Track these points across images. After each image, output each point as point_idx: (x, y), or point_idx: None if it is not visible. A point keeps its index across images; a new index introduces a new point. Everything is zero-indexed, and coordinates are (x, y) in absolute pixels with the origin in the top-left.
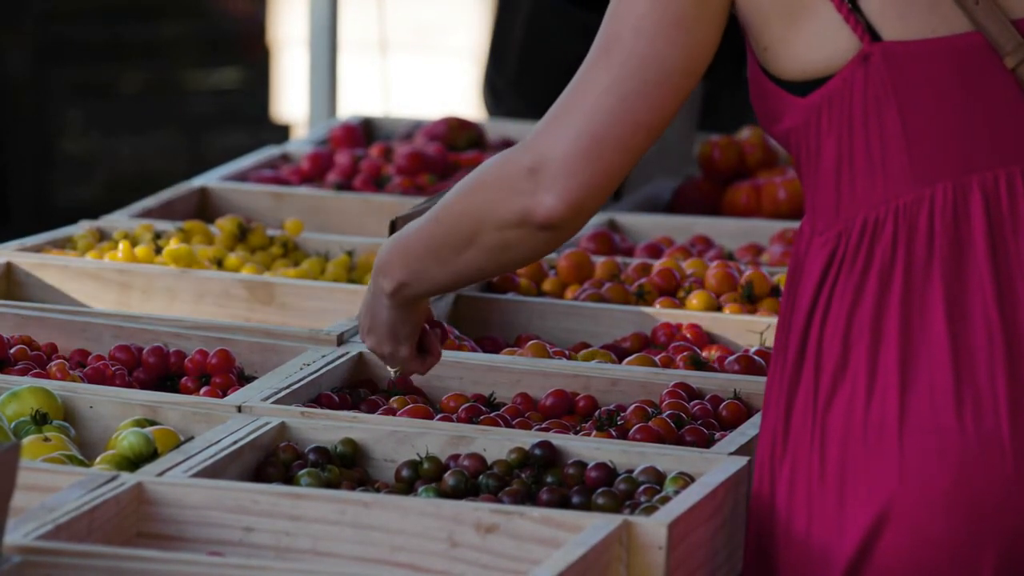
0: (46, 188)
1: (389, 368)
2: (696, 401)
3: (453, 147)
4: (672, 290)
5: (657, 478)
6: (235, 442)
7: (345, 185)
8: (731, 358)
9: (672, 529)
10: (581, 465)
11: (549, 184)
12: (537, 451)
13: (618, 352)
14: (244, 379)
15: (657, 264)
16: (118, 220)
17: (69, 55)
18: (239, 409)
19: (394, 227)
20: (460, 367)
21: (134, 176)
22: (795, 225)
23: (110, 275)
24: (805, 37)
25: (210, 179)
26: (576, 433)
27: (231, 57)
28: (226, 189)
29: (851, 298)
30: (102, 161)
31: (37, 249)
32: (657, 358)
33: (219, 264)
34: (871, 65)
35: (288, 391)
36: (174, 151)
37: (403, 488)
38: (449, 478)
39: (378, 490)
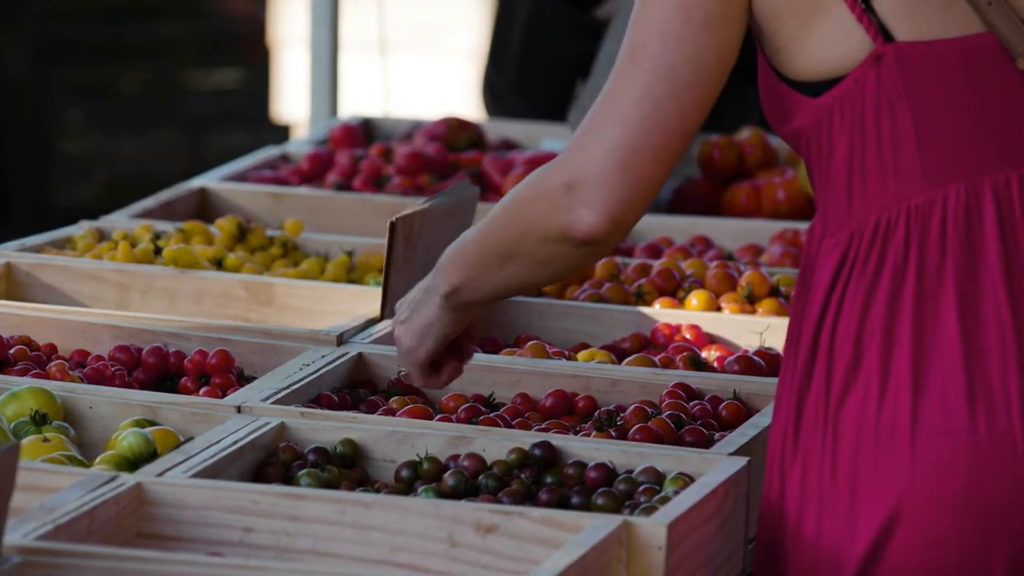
0: (46, 188)
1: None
2: (696, 401)
3: (453, 147)
4: (672, 290)
5: (657, 478)
6: (235, 442)
7: (345, 185)
8: (731, 358)
9: (672, 529)
10: (581, 465)
11: (587, 200)
12: (537, 451)
13: (618, 352)
14: (244, 379)
15: (657, 264)
16: (118, 220)
17: (69, 55)
18: (239, 409)
19: (394, 228)
20: None
21: (134, 176)
22: (795, 225)
23: (110, 275)
24: (818, 37)
25: (210, 179)
26: (576, 433)
27: (231, 57)
28: (226, 189)
29: (863, 299)
30: (102, 161)
31: (37, 249)
32: (657, 358)
33: (219, 264)
34: (883, 66)
35: (288, 391)
36: (174, 151)
37: (403, 488)
38: (449, 478)
39: (378, 490)
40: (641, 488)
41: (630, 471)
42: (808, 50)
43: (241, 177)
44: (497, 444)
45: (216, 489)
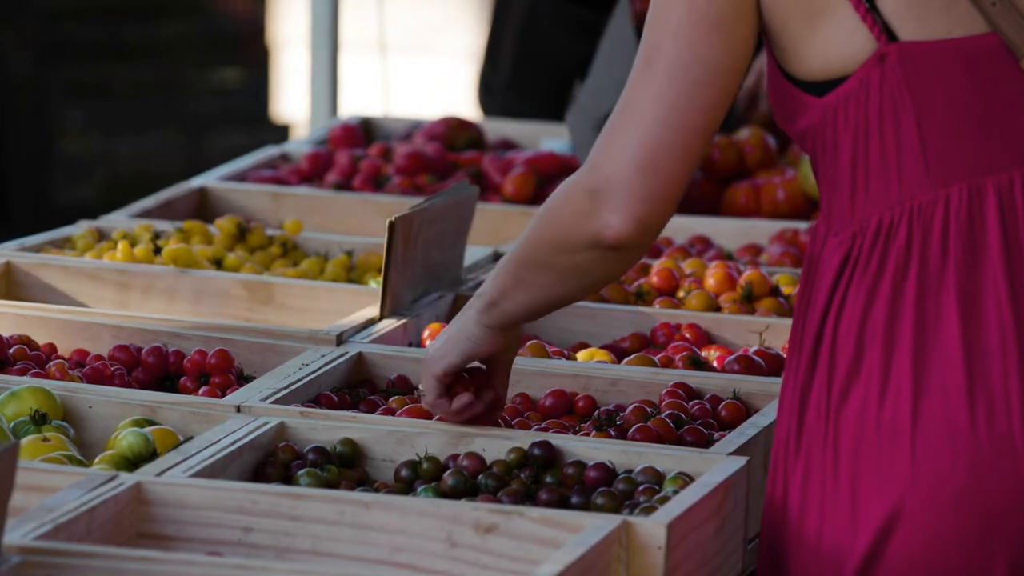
0: (46, 188)
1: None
2: (695, 401)
3: (452, 147)
4: (671, 290)
5: (656, 478)
6: (234, 442)
7: (344, 185)
8: (730, 358)
9: (671, 529)
10: (580, 465)
11: (612, 205)
12: (536, 451)
13: (617, 352)
14: (243, 379)
15: (656, 264)
16: (117, 220)
17: (69, 55)
18: (238, 409)
19: (394, 228)
20: None
21: (134, 176)
22: (795, 225)
23: (109, 275)
24: (823, 37)
25: (209, 179)
26: (575, 433)
27: (231, 57)
28: (225, 189)
29: (865, 299)
30: (102, 161)
31: (37, 249)
32: (656, 358)
33: (218, 264)
34: (887, 65)
35: (287, 391)
36: (174, 151)
37: (402, 488)
38: (448, 478)
39: (377, 490)
40: (641, 488)
41: (630, 471)
42: (813, 49)
43: (241, 177)
44: (497, 444)
45: (215, 489)
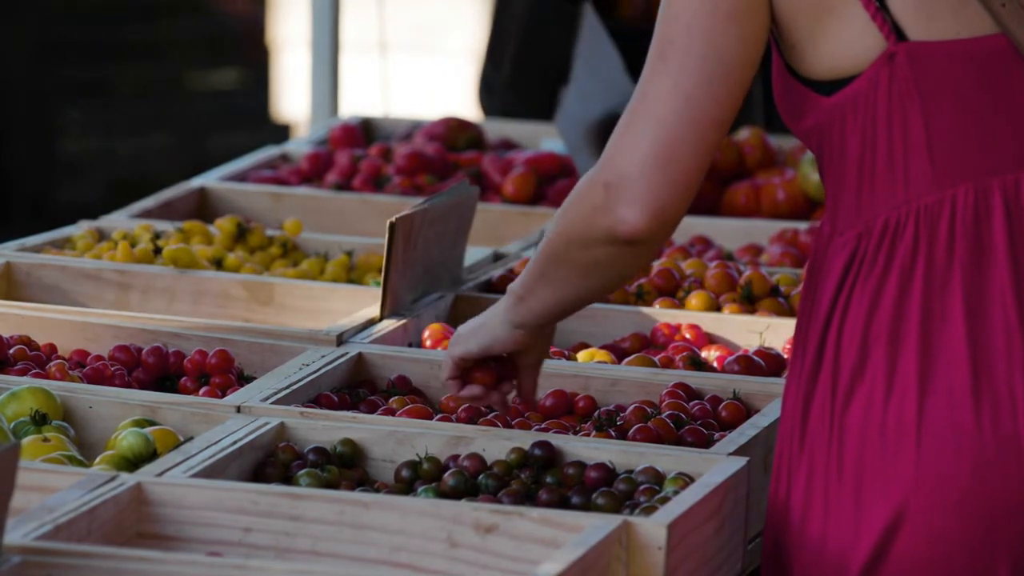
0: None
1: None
2: (695, 401)
3: (452, 147)
4: (671, 290)
5: (656, 478)
6: (234, 442)
7: (344, 185)
8: (730, 358)
9: (671, 529)
10: (580, 465)
11: (627, 198)
12: (536, 451)
13: (617, 352)
14: (243, 379)
15: (656, 264)
16: (117, 220)
17: (69, 55)
18: (238, 409)
19: (394, 228)
20: None
21: (134, 176)
22: (794, 225)
23: (109, 275)
24: (832, 36)
25: (209, 179)
26: (575, 433)
27: (231, 57)
28: (225, 189)
29: (870, 299)
30: (102, 161)
31: (37, 249)
32: (656, 358)
33: (218, 264)
34: (896, 65)
35: (287, 391)
36: (174, 151)
37: (403, 488)
38: (449, 478)
39: (378, 490)
40: (641, 488)
41: (630, 471)
42: (822, 48)
43: (241, 177)
44: (497, 444)
45: (216, 489)
